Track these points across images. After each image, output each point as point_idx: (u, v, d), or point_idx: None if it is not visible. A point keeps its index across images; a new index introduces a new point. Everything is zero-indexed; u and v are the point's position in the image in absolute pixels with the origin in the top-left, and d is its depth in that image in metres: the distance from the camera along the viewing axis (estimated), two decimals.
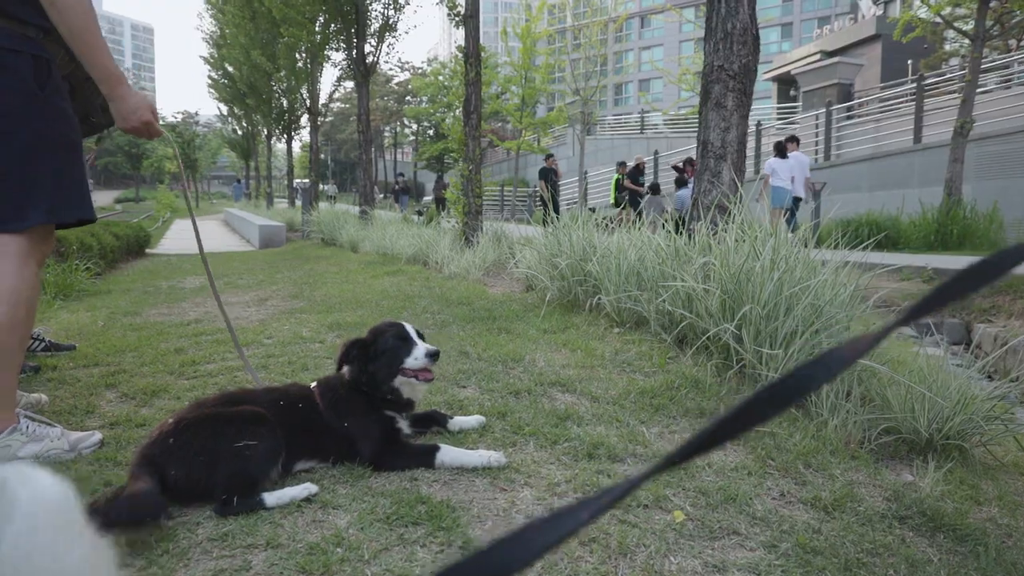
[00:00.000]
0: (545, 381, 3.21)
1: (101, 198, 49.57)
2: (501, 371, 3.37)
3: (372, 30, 16.18)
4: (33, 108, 2.15)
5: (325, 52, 18.76)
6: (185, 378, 3.44)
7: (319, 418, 2.24)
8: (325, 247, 13.92)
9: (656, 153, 26.59)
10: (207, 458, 1.95)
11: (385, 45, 16.18)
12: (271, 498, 1.95)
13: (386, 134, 66.01)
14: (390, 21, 16.20)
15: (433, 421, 2.56)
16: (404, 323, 2.38)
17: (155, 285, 8.55)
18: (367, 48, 15.85)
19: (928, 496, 2.34)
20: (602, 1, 41.06)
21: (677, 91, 53.71)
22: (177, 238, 20.32)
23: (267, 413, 2.13)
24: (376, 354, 2.31)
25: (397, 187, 29.20)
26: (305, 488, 2.01)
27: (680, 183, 15.23)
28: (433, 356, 2.30)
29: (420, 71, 56.28)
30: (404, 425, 2.36)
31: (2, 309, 2.14)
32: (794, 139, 13.59)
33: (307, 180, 23.37)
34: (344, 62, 17.85)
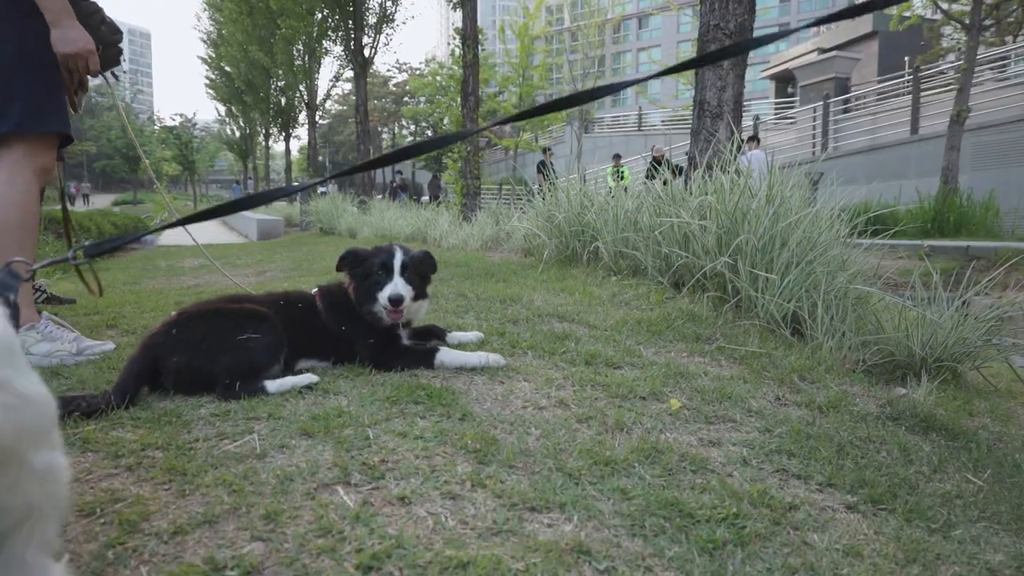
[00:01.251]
0: (543, 313, 3.23)
1: (99, 201, 49.56)
2: (499, 307, 3.39)
3: (370, 22, 16.24)
4: (9, 27, 2.30)
5: (323, 45, 18.83)
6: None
7: (319, 320, 2.27)
8: (324, 235, 13.95)
9: (654, 149, 26.64)
10: (210, 347, 1.98)
11: (383, 36, 16.24)
12: (273, 385, 1.97)
13: (384, 135, 66.09)
14: (388, 13, 16.26)
15: (432, 335, 2.58)
16: (398, 250, 2.32)
17: (154, 264, 8.58)
18: (364, 40, 15.91)
19: (922, 404, 2.37)
20: (599, 1, 41.19)
21: (675, 89, 53.87)
22: (174, 233, 20.33)
23: (268, 311, 2.15)
24: (363, 274, 2.28)
25: (394, 184, 29.27)
26: (306, 377, 2.03)
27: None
28: (393, 302, 2.18)
29: (418, 72, 56.38)
30: (402, 334, 2.39)
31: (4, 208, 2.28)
32: (754, 138, 13.78)
33: (305, 178, 23.42)
34: (342, 55, 17.90)
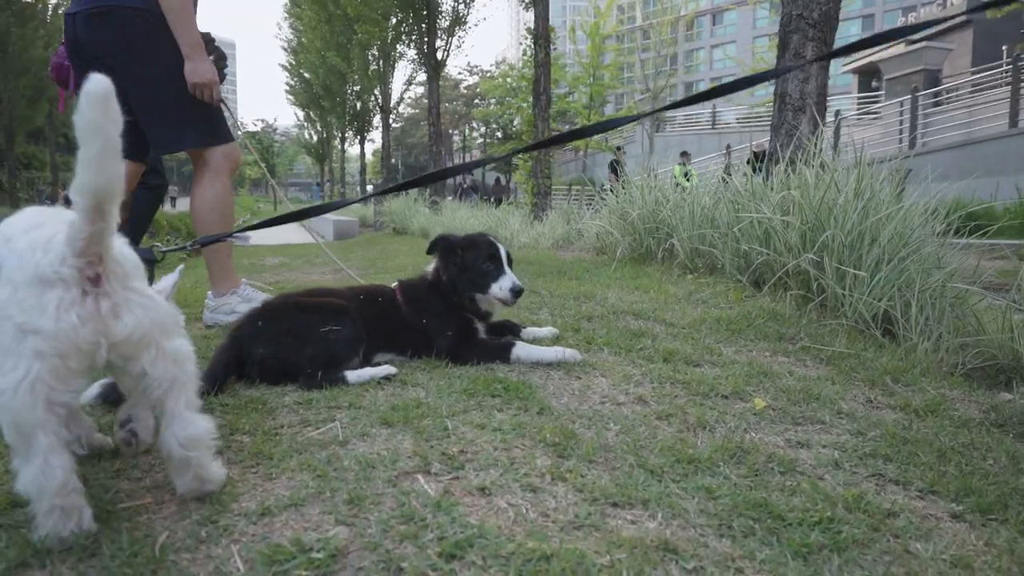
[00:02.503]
0: (618, 310, 3.18)
1: (187, 204, 52.21)
2: (573, 303, 3.36)
3: (443, 25, 16.47)
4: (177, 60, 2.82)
5: (397, 50, 19.22)
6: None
7: (399, 314, 2.30)
8: (397, 235, 14.23)
9: (728, 147, 25.98)
10: (293, 338, 2.03)
11: (455, 39, 16.45)
12: (352, 375, 2.01)
13: (455, 137, 66.99)
14: (460, 15, 16.45)
15: (507, 329, 2.58)
16: (496, 241, 2.38)
17: (238, 262, 8.93)
18: (437, 43, 16.14)
19: None
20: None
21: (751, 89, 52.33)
22: (256, 234, 21.17)
23: (349, 305, 2.20)
24: (464, 265, 2.31)
25: (465, 185, 29.62)
26: (385, 368, 2.06)
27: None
28: (516, 293, 2.29)
29: (488, 74, 56.88)
30: (480, 328, 2.39)
31: (204, 209, 3.00)
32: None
33: (379, 181, 23.96)
34: (416, 58, 18.23)
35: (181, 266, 1.84)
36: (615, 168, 17.81)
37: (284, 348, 2.02)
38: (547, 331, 2.63)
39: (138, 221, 4.14)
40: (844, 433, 1.83)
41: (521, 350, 2.25)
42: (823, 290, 3.14)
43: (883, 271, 2.91)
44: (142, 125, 2.92)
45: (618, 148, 19.12)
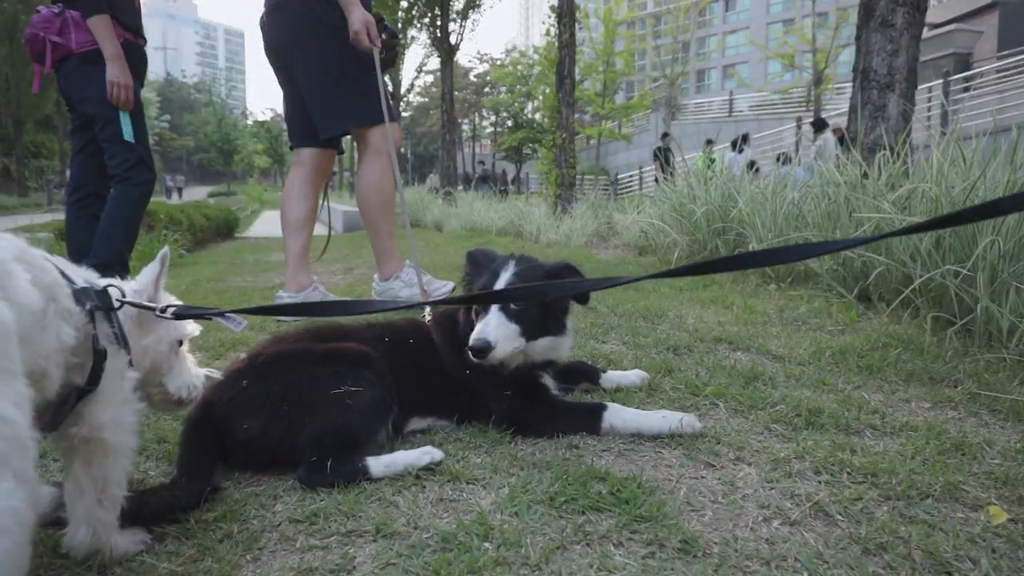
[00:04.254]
0: (706, 337, 2.51)
1: (195, 193, 51.65)
2: (644, 326, 2.69)
3: (457, 8, 15.74)
4: (334, 44, 2.95)
5: (408, 34, 18.47)
6: (265, 332, 2.93)
7: (436, 361, 1.64)
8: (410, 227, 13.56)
9: (745, 137, 25.08)
10: (293, 407, 1.38)
11: (470, 22, 15.72)
12: (378, 465, 1.35)
13: (464, 127, 66.05)
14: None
15: (581, 376, 1.91)
16: (507, 270, 1.64)
17: (242, 259, 8.32)
18: (451, 26, 15.42)
19: None
20: None
21: (764, 75, 51.31)
22: (265, 225, 20.54)
23: (373, 352, 1.54)
24: (473, 287, 1.70)
25: (478, 175, 28.91)
26: (426, 453, 1.39)
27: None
28: (475, 351, 1.50)
29: (499, 62, 55.87)
30: (549, 381, 1.72)
31: (364, 190, 3.16)
32: (823, 123, 12.56)
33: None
34: (428, 42, 17.52)
35: (164, 250, 1.18)
36: (662, 155, 16.84)
37: (277, 422, 1.37)
38: (634, 376, 1.96)
39: (127, 227, 3.50)
40: None
41: (615, 416, 1.58)
42: (968, 310, 2.46)
43: None
44: (309, 111, 3.08)
45: (664, 135, 18.14)
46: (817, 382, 2.05)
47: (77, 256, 3.51)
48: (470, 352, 1.49)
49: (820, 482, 1.37)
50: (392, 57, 3.24)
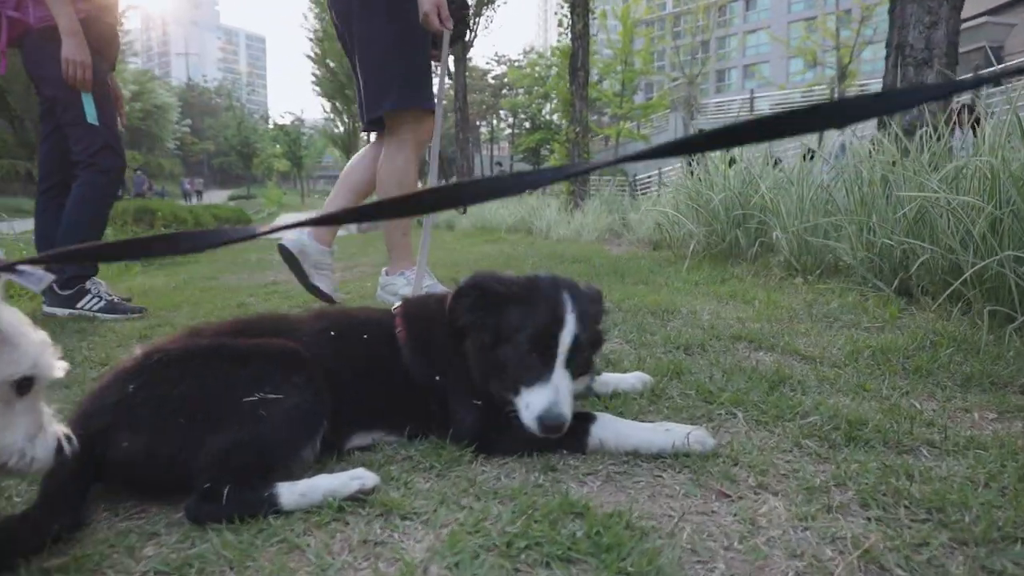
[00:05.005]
0: (722, 335, 2.18)
1: (215, 196, 51.93)
2: (653, 322, 2.37)
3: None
4: (381, 21, 2.78)
5: None
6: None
7: (393, 361, 1.33)
8: (420, 227, 13.32)
9: (777, 160, 24.59)
10: (190, 418, 1.08)
11: (483, 18, 15.46)
12: (291, 493, 1.04)
13: (482, 129, 65.78)
14: None
15: None
16: (568, 302, 1.27)
17: (244, 257, 8.11)
18: None
19: None
20: None
21: (786, 73, 50.56)
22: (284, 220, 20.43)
23: (304, 351, 1.24)
24: (501, 333, 1.26)
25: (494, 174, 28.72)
26: (355, 477, 1.08)
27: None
28: (548, 427, 1.19)
29: (516, 63, 55.59)
30: None
31: (382, 178, 2.93)
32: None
33: None
34: None
35: None
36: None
37: (167, 437, 1.07)
38: (634, 379, 1.64)
39: (94, 216, 3.25)
40: None
41: (606, 429, 1.26)
42: None
43: None
44: (361, 87, 2.94)
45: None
46: (856, 387, 1.71)
47: (46, 250, 3.26)
48: (542, 430, 1.18)
49: (870, 519, 1.04)
50: (462, 30, 3.02)
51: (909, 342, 2.08)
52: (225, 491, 1.02)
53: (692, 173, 4.08)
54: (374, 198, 3.08)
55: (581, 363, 1.28)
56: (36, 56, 3.08)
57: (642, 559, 0.87)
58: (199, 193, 36.18)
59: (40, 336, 0.89)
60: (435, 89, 2.87)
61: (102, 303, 3.22)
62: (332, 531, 0.98)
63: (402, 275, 3.02)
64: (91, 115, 3.11)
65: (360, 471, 1.10)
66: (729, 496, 1.09)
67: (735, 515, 1.03)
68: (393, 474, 1.17)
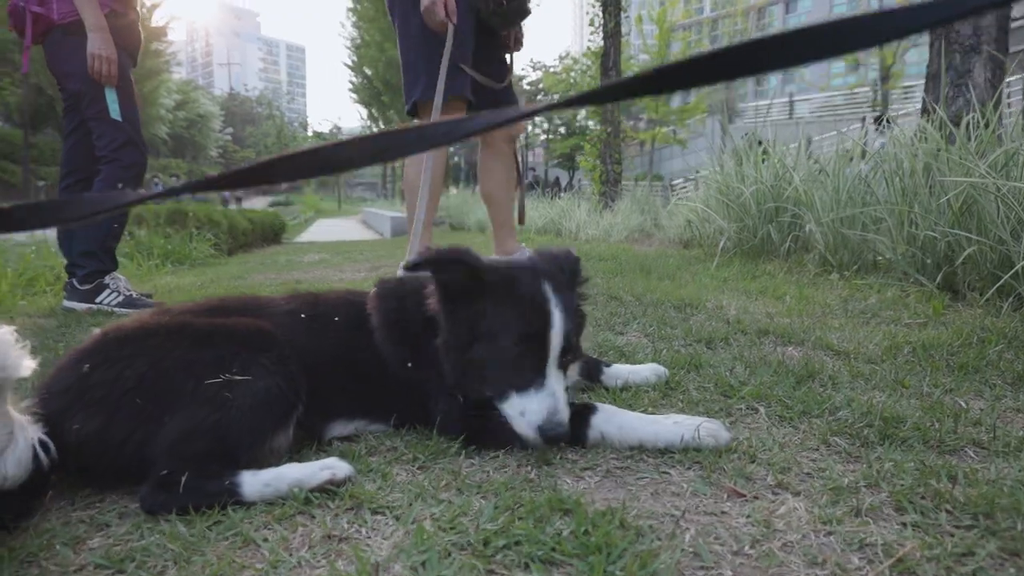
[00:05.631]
0: (748, 329, 2.04)
1: (256, 203, 52.86)
2: (675, 316, 2.24)
3: None
4: (415, 19, 2.80)
5: None
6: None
7: (370, 347, 1.23)
8: (453, 231, 13.30)
9: (810, 140, 24.04)
10: (149, 400, 1.00)
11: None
12: (255, 482, 0.95)
13: None
14: None
15: (576, 370, 1.48)
16: (553, 301, 1.12)
17: (274, 260, 8.16)
18: None
19: None
20: None
21: (828, 75, 49.56)
22: (316, 232, 20.65)
23: (277, 331, 1.15)
24: (476, 330, 1.13)
25: (527, 181, 28.69)
26: (326, 467, 0.99)
27: None
28: (548, 437, 1.06)
29: (552, 69, 55.54)
30: None
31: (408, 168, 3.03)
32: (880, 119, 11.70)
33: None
34: None
35: None
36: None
37: (123, 420, 0.99)
38: (647, 371, 1.52)
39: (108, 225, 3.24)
40: None
41: (608, 421, 1.15)
42: None
43: None
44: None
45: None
46: (894, 383, 1.56)
47: (68, 246, 3.27)
48: (543, 439, 1.07)
49: (905, 524, 0.91)
50: (518, 6, 2.90)
51: (954, 338, 1.92)
52: (183, 479, 0.93)
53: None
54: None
55: (571, 356, 1.17)
56: (60, 51, 3.09)
57: (634, 562, 0.76)
58: (239, 200, 36.84)
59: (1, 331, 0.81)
60: (440, 85, 2.80)
61: (121, 298, 3.21)
62: (294, 525, 0.89)
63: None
64: (114, 111, 3.10)
65: (332, 460, 1.00)
66: (743, 495, 0.97)
67: (748, 516, 0.91)
68: (372, 465, 1.07)
